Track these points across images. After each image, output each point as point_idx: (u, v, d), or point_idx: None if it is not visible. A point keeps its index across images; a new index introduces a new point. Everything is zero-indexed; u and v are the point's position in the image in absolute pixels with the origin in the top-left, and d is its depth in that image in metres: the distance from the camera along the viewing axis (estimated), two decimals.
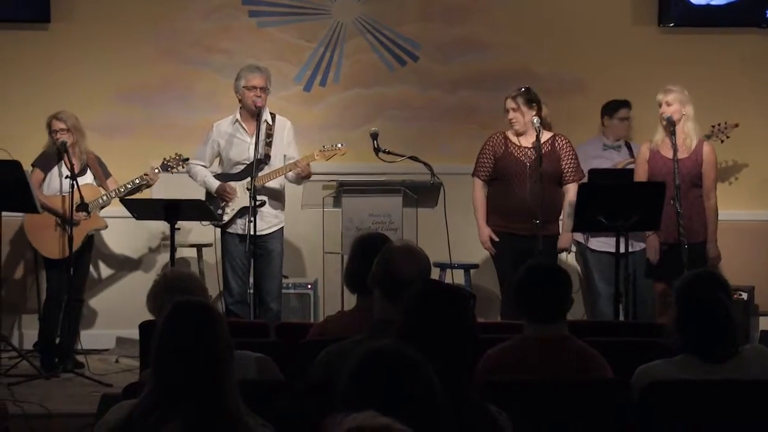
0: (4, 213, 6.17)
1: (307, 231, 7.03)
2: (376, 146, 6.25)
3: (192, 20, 7.43)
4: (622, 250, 5.68)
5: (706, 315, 3.31)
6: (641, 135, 6.71)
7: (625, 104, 6.86)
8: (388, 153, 6.28)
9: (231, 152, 6.34)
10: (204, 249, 7.07)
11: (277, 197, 6.36)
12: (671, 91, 5.99)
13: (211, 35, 7.43)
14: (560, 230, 6.13)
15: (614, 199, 5.59)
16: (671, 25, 7.46)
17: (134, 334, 4.58)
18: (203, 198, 6.34)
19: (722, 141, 6.86)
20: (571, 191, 6.06)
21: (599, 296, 6.59)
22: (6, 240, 6.66)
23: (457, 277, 6.72)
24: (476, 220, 6.21)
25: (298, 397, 3.16)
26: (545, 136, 6.08)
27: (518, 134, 6.12)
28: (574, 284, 3.61)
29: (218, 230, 6.40)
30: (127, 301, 6.77)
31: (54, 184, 6.43)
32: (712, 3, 7.44)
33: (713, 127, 6.84)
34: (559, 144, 6.15)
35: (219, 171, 6.44)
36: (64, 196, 6.30)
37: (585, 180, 6.18)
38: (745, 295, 6.75)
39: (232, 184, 6.31)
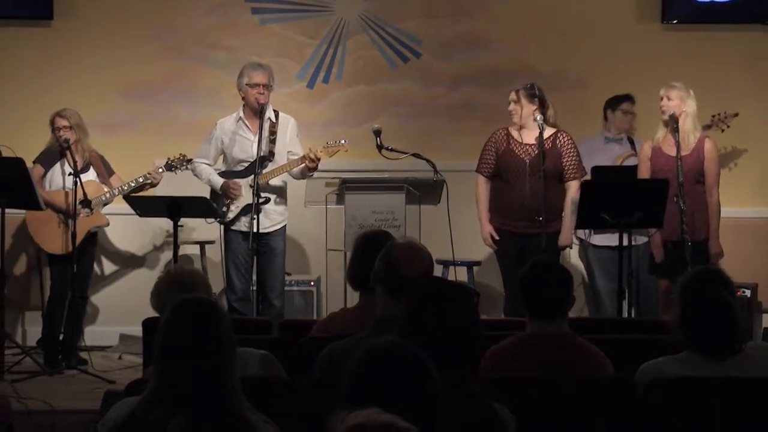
0: (6, 209, 6.17)
1: (310, 228, 7.04)
2: (378, 143, 6.24)
3: (195, 17, 7.43)
4: (624, 246, 5.68)
5: (710, 312, 3.31)
6: (644, 131, 6.69)
7: (628, 98, 6.86)
8: (391, 150, 6.28)
9: (234, 150, 6.33)
10: (207, 246, 7.08)
11: (280, 194, 6.36)
12: (674, 87, 6.00)
13: (213, 32, 7.43)
14: (561, 227, 6.12)
15: (617, 197, 5.59)
16: (674, 22, 7.45)
17: (138, 330, 4.57)
18: (208, 196, 6.35)
19: (723, 130, 6.86)
20: (572, 188, 6.06)
21: (601, 293, 6.58)
22: (9, 236, 6.67)
23: (460, 275, 6.71)
24: (479, 216, 6.22)
25: (301, 394, 3.17)
26: (547, 132, 6.08)
27: (520, 129, 6.12)
28: (576, 280, 3.62)
29: (222, 227, 6.40)
30: (131, 298, 6.78)
31: (57, 180, 6.44)
32: (716, 0, 7.43)
33: (713, 116, 6.84)
34: (560, 141, 6.14)
35: (223, 168, 6.44)
36: (67, 192, 6.30)
37: (587, 177, 6.17)
38: (748, 293, 6.75)
39: (237, 181, 6.31)
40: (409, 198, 6.15)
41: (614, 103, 6.86)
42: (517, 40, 7.44)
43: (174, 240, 6.18)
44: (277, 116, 6.36)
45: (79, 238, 6.23)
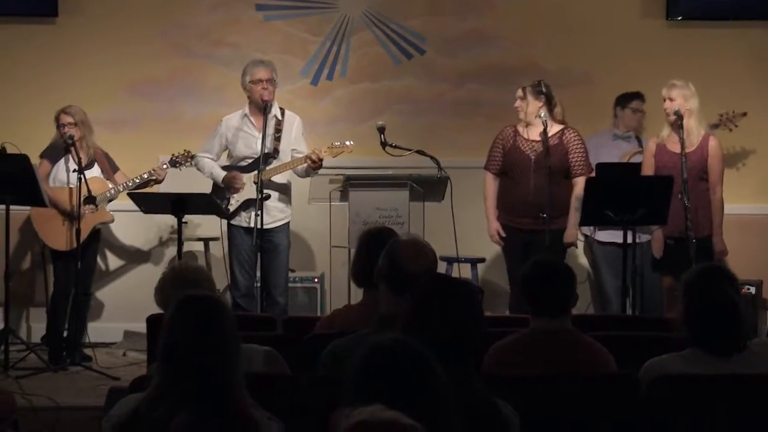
0: (12, 206, 6.18)
1: (314, 225, 7.04)
2: (382, 140, 6.24)
3: (199, 14, 7.43)
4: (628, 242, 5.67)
5: (714, 309, 3.31)
6: (649, 128, 6.69)
7: (638, 96, 6.84)
8: (395, 147, 6.28)
9: (239, 146, 6.34)
10: (211, 242, 7.09)
11: (284, 192, 6.36)
12: (674, 86, 5.98)
13: (218, 29, 7.43)
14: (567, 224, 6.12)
15: (621, 193, 5.58)
16: (679, 18, 7.44)
17: (142, 327, 4.57)
18: (210, 190, 6.36)
19: (730, 130, 6.86)
20: (579, 185, 6.05)
21: (606, 289, 6.57)
22: (14, 232, 6.68)
23: (464, 271, 6.71)
24: (486, 213, 6.22)
25: (305, 391, 3.17)
26: (554, 128, 6.08)
27: (527, 126, 6.12)
28: (581, 277, 3.62)
29: (224, 223, 6.40)
30: (135, 295, 6.78)
31: (61, 176, 6.45)
32: None
33: (721, 115, 6.83)
34: (567, 137, 6.14)
35: (227, 164, 6.44)
36: (71, 188, 6.31)
37: (593, 174, 6.16)
38: (753, 290, 6.74)
39: (238, 173, 6.32)
40: (413, 195, 6.15)
41: (624, 100, 6.85)
42: (522, 37, 7.43)
43: (178, 236, 6.19)
44: (283, 114, 6.36)
45: (84, 235, 6.24)
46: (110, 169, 6.58)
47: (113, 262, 7.41)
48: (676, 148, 5.91)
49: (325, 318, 4.15)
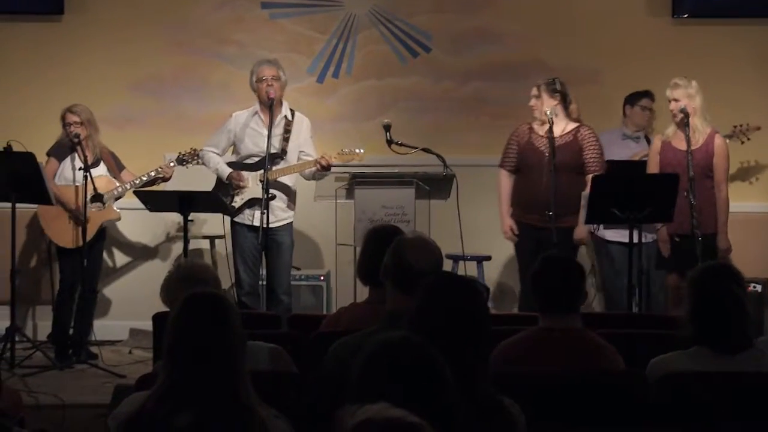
0: (18, 204, 6.19)
1: (319, 223, 7.04)
2: (388, 138, 6.24)
3: (205, 12, 7.44)
4: (635, 241, 5.66)
5: (720, 307, 3.30)
6: (658, 127, 6.67)
7: (647, 94, 6.82)
8: (401, 145, 6.28)
9: (247, 143, 6.34)
10: (216, 240, 7.09)
11: (287, 193, 6.36)
12: (677, 86, 5.96)
13: (223, 27, 7.44)
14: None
15: (627, 191, 5.57)
16: (685, 16, 7.43)
17: (148, 325, 4.58)
18: (214, 185, 6.36)
19: (742, 142, 6.85)
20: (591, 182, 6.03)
21: (612, 287, 6.56)
22: (20, 230, 6.69)
23: (470, 269, 6.70)
24: (499, 210, 6.21)
25: (311, 389, 3.17)
26: (570, 126, 6.08)
27: (542, 123, 6.10)
28: (587, 275, 3.61)
29: (228, 221, 6.40)
30: (141, 292, 6.78)
31: (67, 174, 6.45)
32: None
33: (735, 127, 6.83)
34: (582, 135, 6.13)
35: (233, 160, 6.44)
36: (77, 186, 6.31)
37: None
38: (759, 287, 6.73)
39: (244, 173, 6.32)
40: (419, 193, 6.15)
41: (633, 98, 6.84)
42: (528, 35, 7.42)
43: (184, 234, 6.20)
44: (293, 115, 6.37)
45: (91, 232, 6.25)
46: (116, 167, 6.58)
47: (119, 259, 7.42)
48: (681, 146, 5.90)
49: (331, 316, 4.16)
